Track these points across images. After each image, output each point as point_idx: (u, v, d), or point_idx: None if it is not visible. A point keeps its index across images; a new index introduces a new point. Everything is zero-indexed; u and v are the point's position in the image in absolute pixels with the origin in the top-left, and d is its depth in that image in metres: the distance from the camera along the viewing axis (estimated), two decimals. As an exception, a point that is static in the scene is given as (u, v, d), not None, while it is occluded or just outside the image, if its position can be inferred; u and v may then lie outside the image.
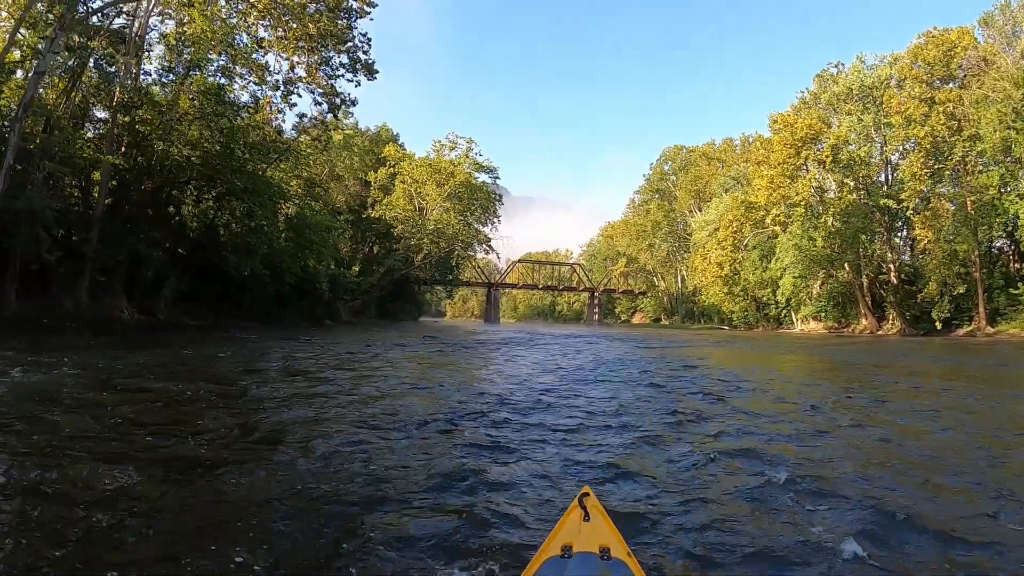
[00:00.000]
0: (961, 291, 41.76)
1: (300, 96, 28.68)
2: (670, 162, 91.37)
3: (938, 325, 42.69)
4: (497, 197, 64.83)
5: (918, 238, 44.32)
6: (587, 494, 2.74)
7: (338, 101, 28.40)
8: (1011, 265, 43.74)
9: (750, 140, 77.97)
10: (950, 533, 3.42)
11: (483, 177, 63.57)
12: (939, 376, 13.81)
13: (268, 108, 27.87)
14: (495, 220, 65.03)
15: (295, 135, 31.93)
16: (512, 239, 69.38)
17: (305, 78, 26.70)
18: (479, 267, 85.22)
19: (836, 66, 54.48)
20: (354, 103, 29.54)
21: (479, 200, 62.19)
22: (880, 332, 47.20)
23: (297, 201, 33.84)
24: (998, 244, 44.33)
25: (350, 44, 26.78)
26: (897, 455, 5.51)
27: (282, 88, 26.97)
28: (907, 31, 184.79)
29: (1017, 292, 38.70)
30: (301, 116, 30.14)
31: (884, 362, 18.50)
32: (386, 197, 57.59)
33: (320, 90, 27.25)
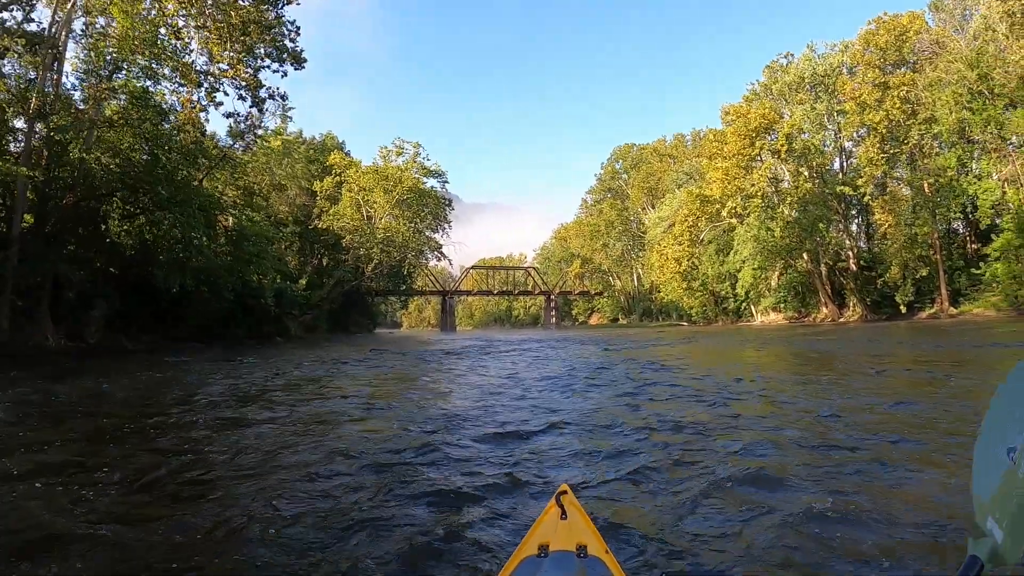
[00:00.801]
0: (924, 273, 41.38)
1: (226, 94, 26.38)
2: (621, 160, 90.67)
3: (903, 309, 42.27)
4: (447, 202, 63.11)
5: (877, 223, 43.97)
6: (565, 492, 2.70)
7: (264, 94, 26.41)
8: (968, 246, 43.68)
9: (701, 135, 77.68)
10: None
11: (432, 182, 61.97)
12: (943, 363, 12.58)
13: (189, 106, 25.63)
14: (446, 226, 63.45)
15: (228, 142, 29.85)
16: (465, 245, 68.13)
17: (227, 72, 24.70)
18: (433, 275, 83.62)
19: (786, 57, 54.11)
20: (283, 98, 27.72)
21: (428, 206, 60.50)
22: (841, 319, 46.76)
23: (235, 212, 31.54)
24: (955, 226, 44.16)
25: (275, 32, 24.94)
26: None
27: (205, 84, 24.89)
28: (852, 21, 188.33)
29: (979, 272, 38.43)
30: (229, 115, 27.78)
31: (868, 350, 17.32)
32: (333, 207, 55.39)
33: (244, 83, 25.23)
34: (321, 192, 56.18)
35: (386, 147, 61.43)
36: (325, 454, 5.44)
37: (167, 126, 24.26)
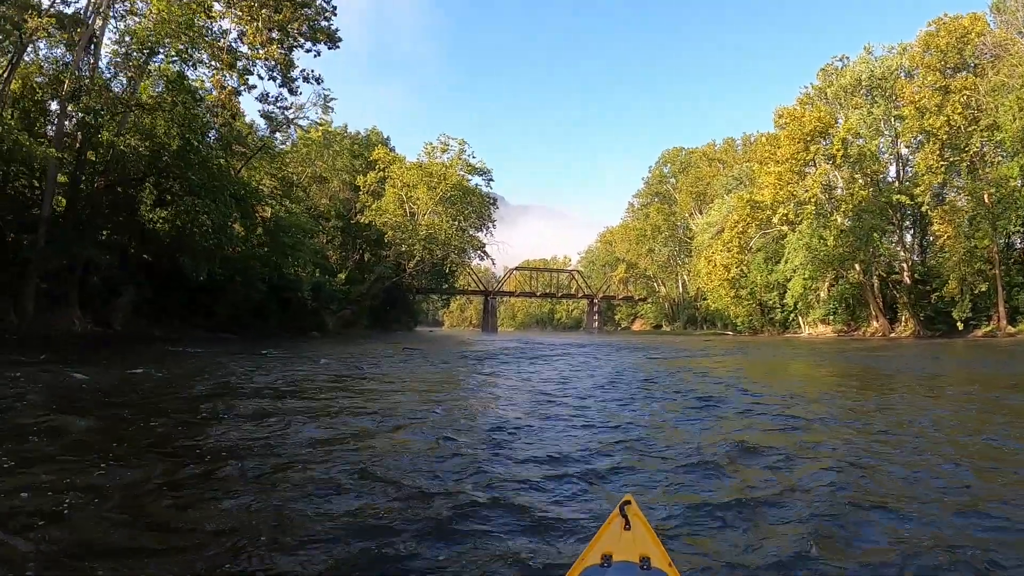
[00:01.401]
0: (983, 288, 39.25)
1: (260, 77, 26.06)
2: (669, 164, 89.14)
3: (960, 325, 40.19)
4: (491, 200, 62.45)
5: (936, 234, 41.81)
6: (628, 502, 2.65)
7: (298, 76, 26.10)
8: (1029, 261, 41.61)
9: (752, 140, 75.93)
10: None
11: (476, 180, 61.22)
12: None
13: (221, 88, 25.40)
14: (490, 225, 62.74)
15: (267, 132, 29.67)
16: (508, 245, 67.42)
17: (259, 53, 24.42)
18: (476, 275, 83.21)
19: (840, 59, 52.26)
20: (319, 80, 27.36)
21: (473, 204, 59.79)
22: (892, 335, 44.87)
23: (272, 202, 31.32)
24: (1014, 239, 41.94)
25: (309, 11, 24.60)
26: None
27: (238, 64, 24.59)
28: (910, 24, 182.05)
29: (1040, 290, 36.54)
30: (262, 98, 27.45)
31: (940, 369, 16.15)
32: (376, 202, 55.15)
33: (275, 63, 24.91)
34: (364, 187, 56.01)
35: (431, 143, 60.97)
36: (344, 473, 4.68)
37: (201, 110, 24.00)
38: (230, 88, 25.52)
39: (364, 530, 3.47)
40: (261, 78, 26.16)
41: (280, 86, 26.49)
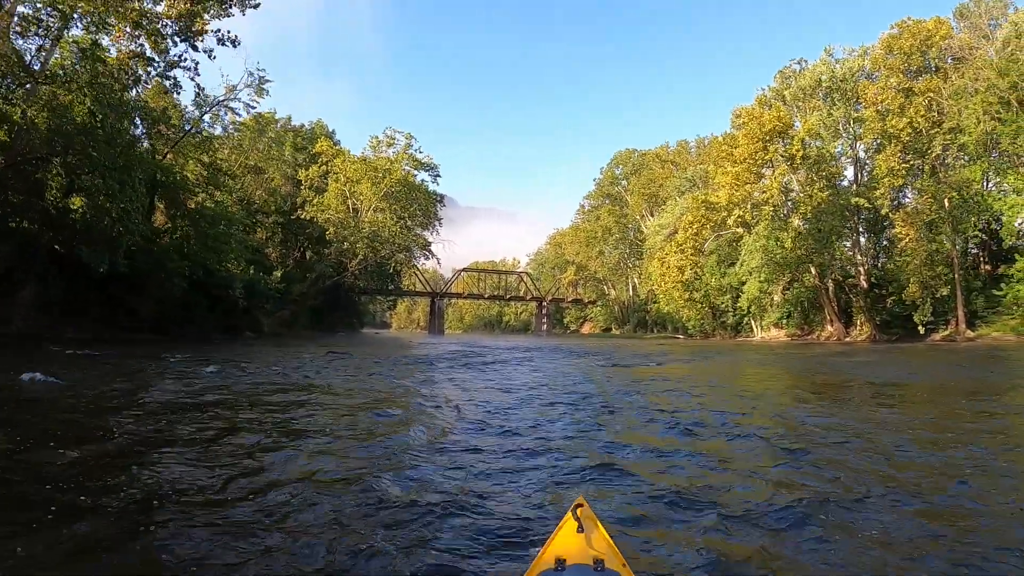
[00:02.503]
0: (945, 292, 38.54)
1: (174, 43, 23.29)
2: (621, 166, 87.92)
3: (921, 329, 39.39)
4: (438, 198, 60.18)
5: (898, 237, 41.01)
6: (581, 504, 2.67)
7: (197, 31, 23.31)
8: (983, 266, 41.34)
9: (706, 142, 75.24)
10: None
11: (423, 176, 58.87)
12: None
13: (125, 48, 22.54)
14: (436, 223, 60.43)
15: (193, 113, 26.96)
16: (455, 243, 64.31)
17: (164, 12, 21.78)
18: (423, 277, 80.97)
19: (799, 63, 51.55)
20: (234, 43, 24.69)
21: (418, 201, 57.32)
22: (847, 339, 44.11)
23: (197, 190, 28.39)
24: (974, 244, 41.53)
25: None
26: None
27: (143, 24, 21.75)
28: (867, 31, 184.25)
29: (1000, 293, 35.97)
30: (172, 66, 24.43)
31: (926, 378, 14.69)
32: (317, 197, 52.41)
33: (180, 17, 22.22)
34: (306, 181, 53.28)
35: (376, 137, 58.31)
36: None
37: (111, 81, 21.13)
38: (131, 50, 22.61)
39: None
40: (174, 42, 23.43)
41: (182, 40, 23.60)
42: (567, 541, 2.42)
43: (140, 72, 23.24)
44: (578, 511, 2.57)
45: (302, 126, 59.87)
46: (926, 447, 6.00)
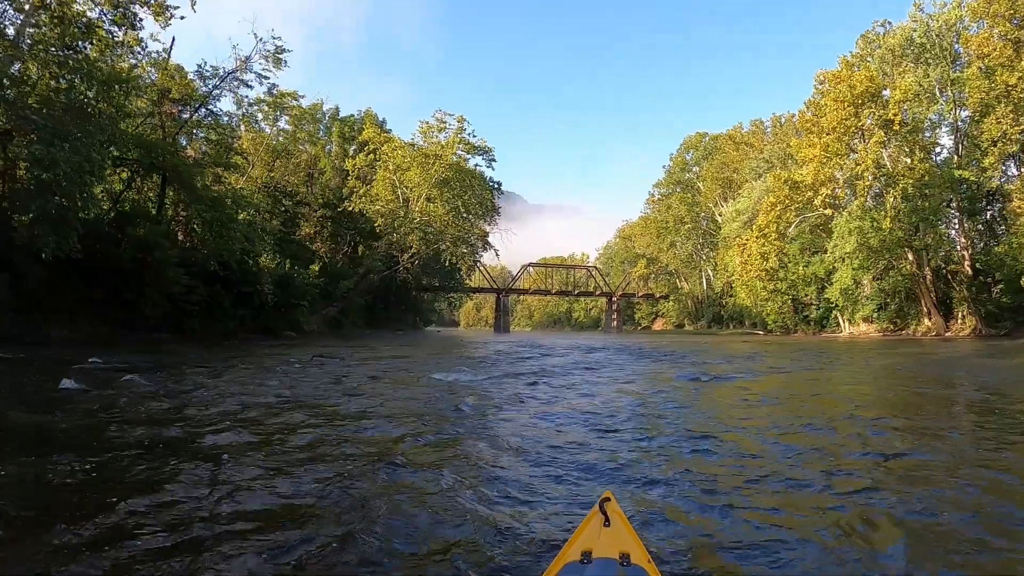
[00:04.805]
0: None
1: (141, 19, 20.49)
2: (692, 151, 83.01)
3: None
4: (495, 185, 56.49)
5: (1013, 213, 35.26)
6: (608, 499, 2.63)
7: None
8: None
9: (783, 120, 69.49)
10: None
11: (477, 161, 55.02)
12: None
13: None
14: (494, 214, 56.77)
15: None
16: (513, 232, 59.51)
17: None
18: (489, 273, 78.40)
19: (883, 24, 46.06)
20: None
21: (473, 188, 53.36)
22: (948, 334, 38.56)
23: (199, 170, 25.20)
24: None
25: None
26: None
27: None
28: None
29: None
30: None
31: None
32: (365, 188, 49.64)
33: None
34: (353, 171, 50.67)
35: (427, 122, 53.73)
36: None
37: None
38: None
39: None
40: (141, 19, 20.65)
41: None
42: (593, 534, 2.39)
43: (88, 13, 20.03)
44: (605, 505, 2.51)
45: (351, 116, 57.50)
46: None
